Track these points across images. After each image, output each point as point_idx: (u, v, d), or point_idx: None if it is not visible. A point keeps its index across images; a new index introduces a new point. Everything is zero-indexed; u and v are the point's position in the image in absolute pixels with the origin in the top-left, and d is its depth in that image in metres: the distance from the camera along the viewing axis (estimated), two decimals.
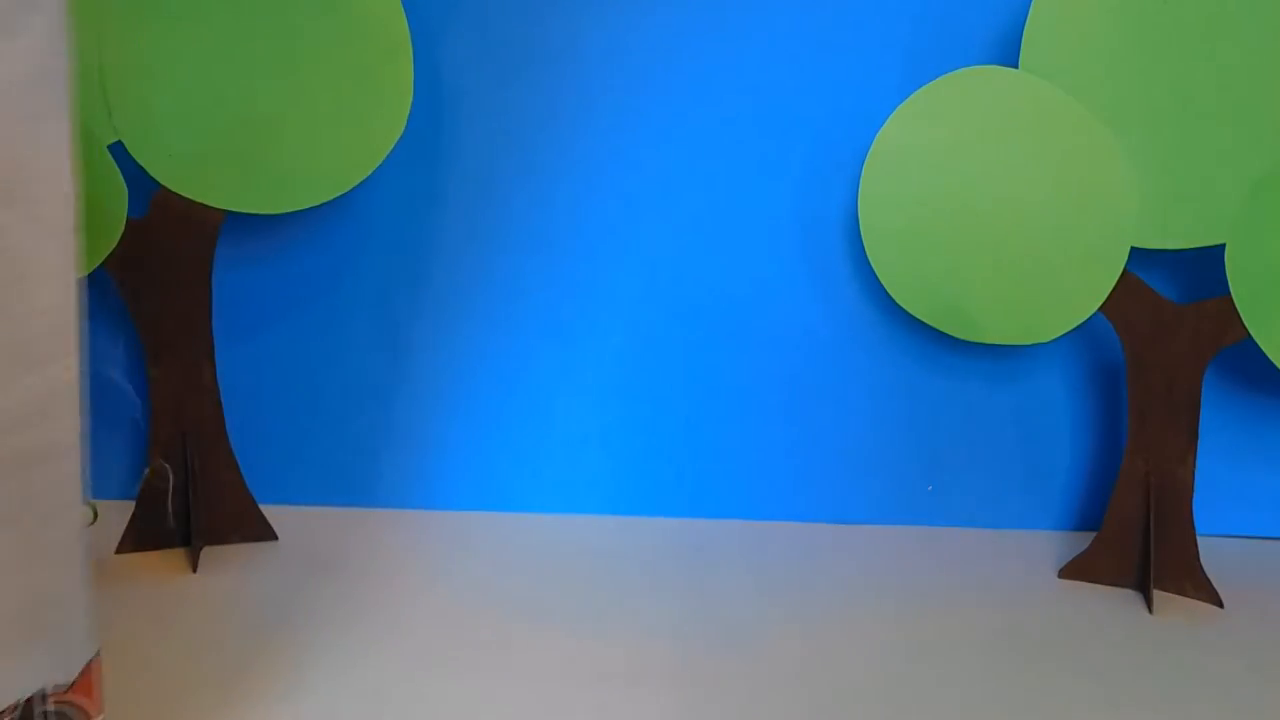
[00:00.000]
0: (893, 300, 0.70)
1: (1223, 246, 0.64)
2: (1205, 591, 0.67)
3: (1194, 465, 0.66)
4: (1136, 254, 0.66)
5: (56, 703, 0.44)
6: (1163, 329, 0.66)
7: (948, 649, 0.62)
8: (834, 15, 0.73)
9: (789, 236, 0.76)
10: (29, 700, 0.43)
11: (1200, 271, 0.69)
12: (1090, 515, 0.76)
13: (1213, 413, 0.72)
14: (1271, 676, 0.58)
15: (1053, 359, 0.76)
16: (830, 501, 0.79)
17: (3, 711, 0.42)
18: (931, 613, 0.66)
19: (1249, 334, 0.64)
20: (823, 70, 0.73)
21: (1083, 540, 0.72)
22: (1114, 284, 0.66)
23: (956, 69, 0.66)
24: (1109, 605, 0.67)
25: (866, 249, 0.69)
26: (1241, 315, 0.64)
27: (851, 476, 0.79)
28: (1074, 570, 0.70)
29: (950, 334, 0.70)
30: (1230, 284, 0.64)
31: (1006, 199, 0.66)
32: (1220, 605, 0.66)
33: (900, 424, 0.78)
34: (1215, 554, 0.68)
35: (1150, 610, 0.66)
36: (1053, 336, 0.68)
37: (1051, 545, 0.75)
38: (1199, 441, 0.67)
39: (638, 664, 0.59)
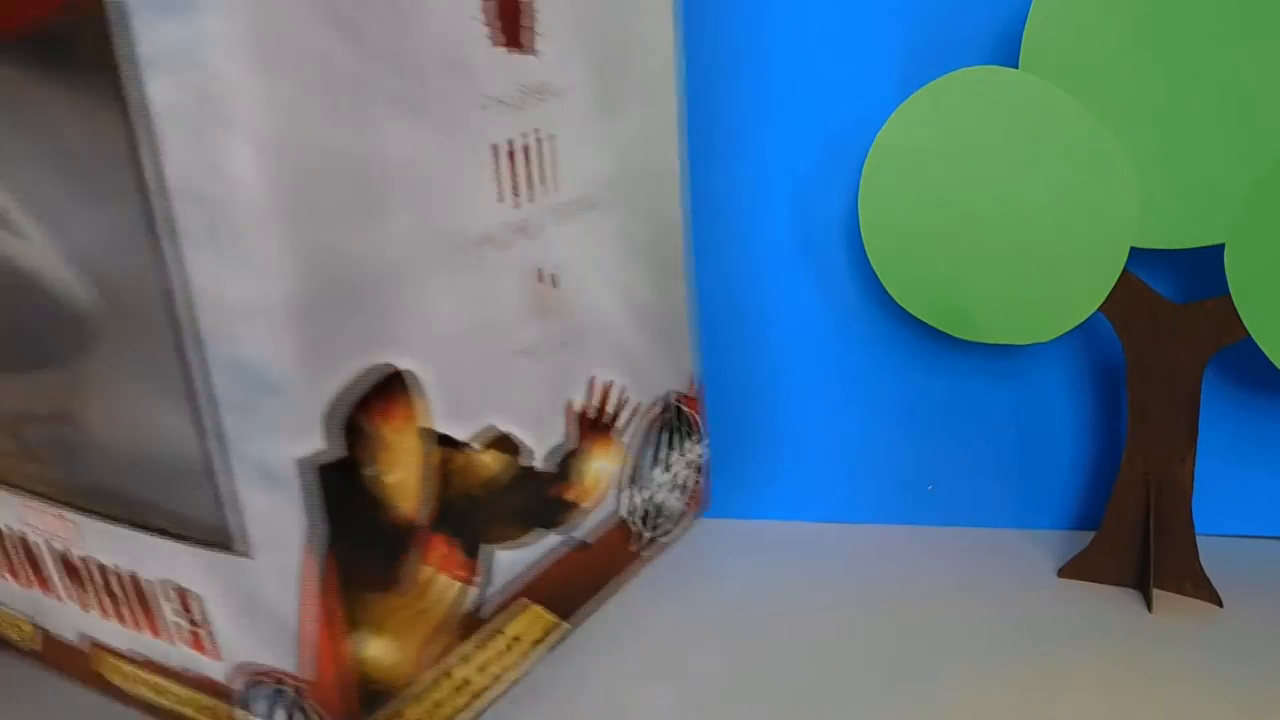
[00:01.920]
0: (893, 300, 0.70)
1: (1223, 246, 0.64)
2: (1205, 590, 0.67)
3: (1194, 465, 0.67)
4: (1136, 254, 0.66)
5: (681, 404, 0.48)
6: (1163, 329, 0.66)
7: (947, 648, 0.62)
8: (834, 15, 0.73)
9: (789, 236, 0.76)
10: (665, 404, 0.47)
11: (1200, 271, 0.69)
12: (1090, 515, 0.77)
13: (1213, 413, 0.72)
14: (1271, 676, 0.59)
15: (1053, 359, 0.76)
16: (830, 501, 0.79)
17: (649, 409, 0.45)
18: (930, 612, 0.66)
19: (1249, 334, 0.64)
20: (823, 70, 0.73)
21: (1082, 540, 0.72)
22: (1114, 284, 0.66)
23: (956, 69, 0.66)
24: (1108, 604, 0.67)
25: (866, 249, 0.69)
26: (1241, 315, 0.64)
27: (851, 476, 0.79)
28: (1073, 569, 0.70)
29: (950, 334, 0.70)
30: (1230, 284, 0.64)
31: (1006, 199, 0.66)
32: (1220, 604, 0.66)
33: (900, 424, 0.78)
34: (1215, 553, 0.68)
35: (1150, 609, 0.66)
36: (1053, 336, 0.68)
37: (1051, 545, 0.75)
38: (1199, 441, 0.67)
39: (637, 663, 0.59)
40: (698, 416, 0.52)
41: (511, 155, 0.38)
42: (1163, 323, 0.66)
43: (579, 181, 0.42)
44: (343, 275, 0.33)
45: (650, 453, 0.48)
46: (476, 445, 0.39)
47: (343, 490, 0.35)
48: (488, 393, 0.39)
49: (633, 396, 0.47)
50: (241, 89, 0.29)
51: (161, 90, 0.29)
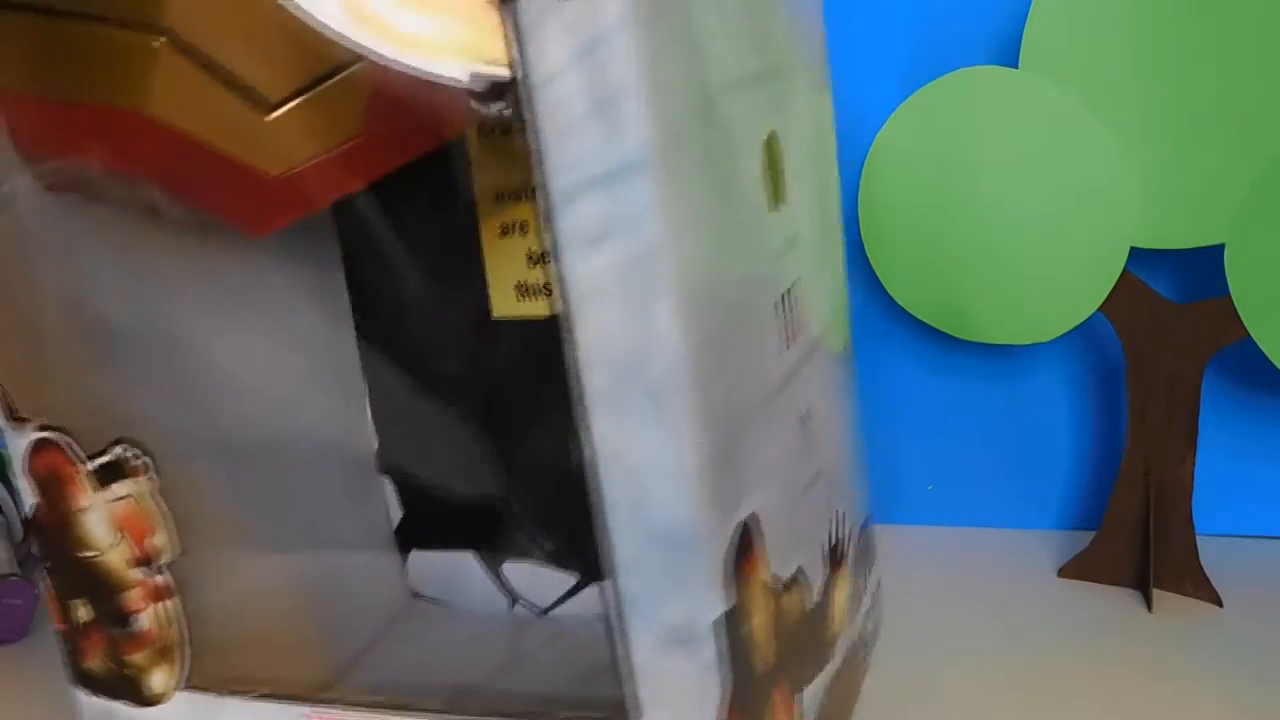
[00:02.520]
0: (893, 300, 0.70)
1: (1223, 246, 0.64)
2: (1205, 590, 0.67)
3: (1194, 465, 0.67)
4: (1136, 254, 0.66)
5: (866, 529, 0.52)
6: (1163, 329, 0.66)
7: (946, 648, 0.62)
8: (834, 15, 0.73)
9: None
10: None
11: (1200, 271, 0.69)
12: (1090, 515, 0.77)
13: (1213, 412, 0.72)
14: (1271, 676, 0.58)
15: (1053, 359, 0.76)
16: None
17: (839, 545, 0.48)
18: (931, 612, 0.66)
19: (1249, 334, 0.64)
20: None
21: (1082, 539, 0.72)
22: (1114, 284, 0.66)
23: (956, 69, 0.66)
24: (1108, 604, 0.67)
25: (866, 249, 0.69)
26: (1241, 315, 0.64)
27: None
28: (1074, 569, 0.70)
29: (950, 334, 0.70)
30: (1230, 284, 0.64)
31: (1006, 199, 0.66)
32: (1220, 604, 0.66)
33: (900, 424, 0.78)
34: (1215, 553, 0.68)
35: (1150, 609, 0.66)
36: (1052, 336, 0.68)
37: (1051, 545, 0.75)
38: (1199, 441, 0.67)
39: None
40: (874, 540, 0.55)
41: (785, 304, 0.41)
42: (1163, 323, 0.66)
43: (815, 322, 0.44)
44: (724, 430, 0.35)
45: (861, 580, 0.50)
46: (788, 587, 0.40)
47: (736, 646, 0.36)
48: (791, 535, 0.41)
49: (850, 524, 0.49)
50: (669, 253, 0.31)
51: (591, 260, 0.31)
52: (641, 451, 0.33)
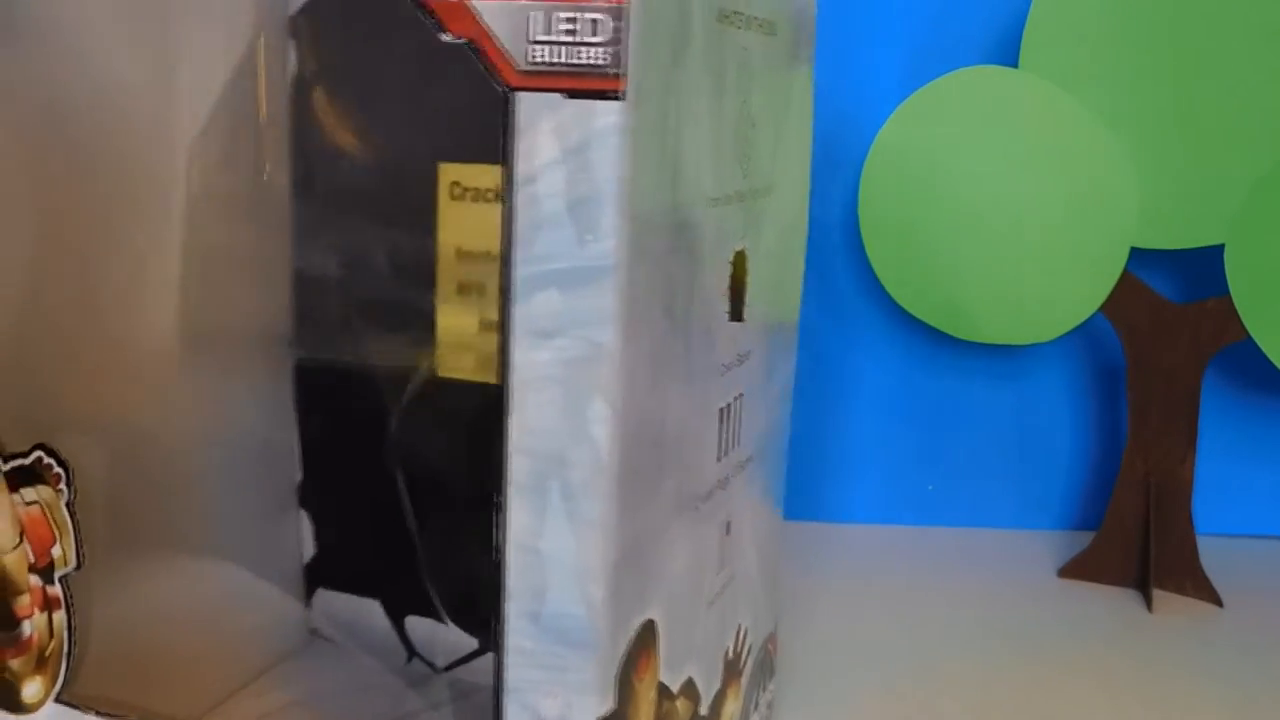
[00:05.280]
0: (893, 300, 0.70)
1: (1223, 246, 0.64)
2: (1205, 590, 0.67)
3: (1194, 465, 0.67)
4: (1136, 254, 0.66)
5: (769, 644, 0.53)
6: (1163, 329, 0.66)
7: (947, 648, 0.62)
8: (834, 15, 0.73)
9: None
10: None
11: (1200, 271, 0.69)
12: (1090, 515, 0.77)
13: (1213, 413, 0.72)
14: (1270, 675, 0.59)
15: (1053, 359, 0.76)
16: (830, 501, 0.79)
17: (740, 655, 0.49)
18: (931, 611, 0.66)
19: (1249, 334, 0.64)
20: (823, 70, 0.73)
21: (1082, 540, 0.72)
22: (1114, 284, 0.66)
23: (956, 69, 0.66)
24: (1109, 604, 0.67)
25: (866, 249, 0.69)
26: (1241, 315, 0.64)
27: (851, 476, 0.79)
28: (1074, 569, 0.70)
29: (950, 334, 0.70)
30: (1230, 284, 0.64)
31: (1006, 199, 0.67)
32: (1219, 604, 0.66)
33: (900, 424, 0.78)
34: (1215, 553, 0.68)
35: (1150, 609, 0.66)
36: (1053, 336, 0.68)
37: (1051, 545, 0.75)
38: (1199, 441, 0.67)
39: None
40: (775, 656, 0.55)
41: (726, 415, 0.42)
42: (1163, 323, 0.66)
43: (750, 439, 0.46)
44: (638, 535, 0.35)
45: (754, 695, 0.50)
46: (677, 696, 0.41)
47: None
48: (689, 643, 0.41)
49: (751, 638, 0.49)
50: (613, 359, 0.32)
51: (538, 351, 0.33)
52: (550, 545, 0.34)
